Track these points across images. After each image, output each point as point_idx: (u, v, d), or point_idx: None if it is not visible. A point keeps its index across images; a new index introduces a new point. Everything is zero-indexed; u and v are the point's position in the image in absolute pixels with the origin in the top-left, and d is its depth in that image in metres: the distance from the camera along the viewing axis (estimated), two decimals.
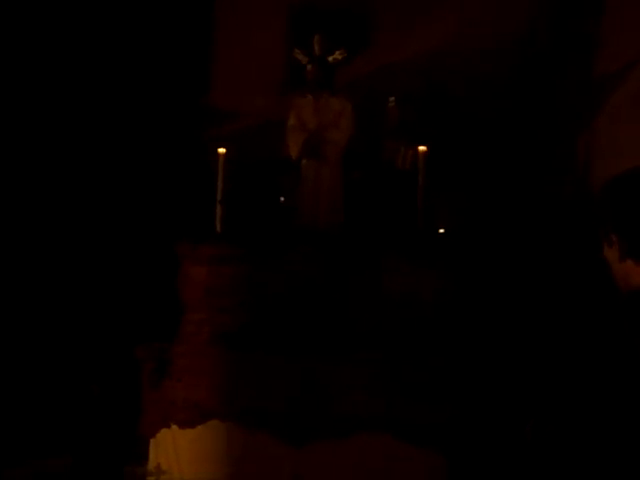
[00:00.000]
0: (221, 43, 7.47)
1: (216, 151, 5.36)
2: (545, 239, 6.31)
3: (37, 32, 6.67)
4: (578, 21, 6.79)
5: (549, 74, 6.84)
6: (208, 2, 7.57)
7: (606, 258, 1.68)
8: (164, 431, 5.09)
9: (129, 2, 7.05)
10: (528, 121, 6.79)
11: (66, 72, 6.68)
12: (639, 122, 6.11)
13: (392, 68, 6.74)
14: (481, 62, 6.73)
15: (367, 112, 5.90)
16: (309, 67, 5.56)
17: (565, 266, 6.05)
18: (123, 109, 6.66)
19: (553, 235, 6.31)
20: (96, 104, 6.63)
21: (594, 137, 6.63)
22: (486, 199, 6.68)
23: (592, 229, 1.72)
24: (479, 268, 5.86)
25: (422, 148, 5.23)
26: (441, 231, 6.23)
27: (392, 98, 6.26)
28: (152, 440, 5.16)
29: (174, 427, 5.05)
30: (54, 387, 5.76)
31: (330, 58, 5.56)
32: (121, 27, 6.97)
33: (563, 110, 6.75)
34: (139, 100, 6.73)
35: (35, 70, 6.60)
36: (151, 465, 5.13)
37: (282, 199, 5.85)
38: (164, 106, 6.80)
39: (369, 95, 6.30)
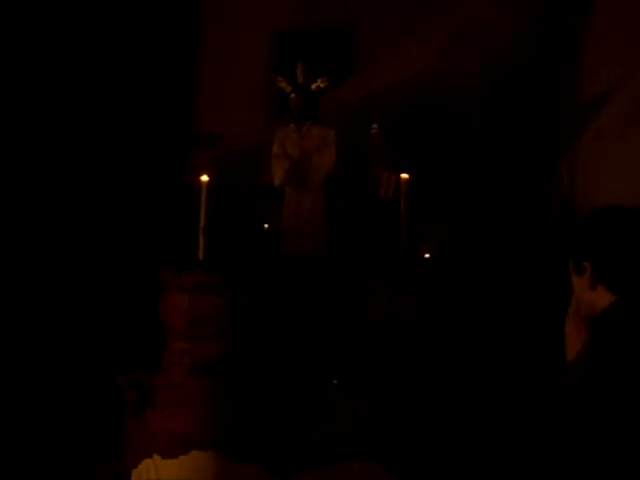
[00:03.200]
0: (207, 68, 7.50)
1: (199, 177, 5.36)
2: (530, 262, 6.32)
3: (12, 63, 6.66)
4: (564, 41, 6.84)
5: (535, 95, 6.88)
6: (194, 26, 7.61)
7: (573, 288, 1.76)
8: (146, 461, 5.04)
9: (116, 25, 7.07)
10: (513, 142, 6.82)
11: (52, 94, 6.67)
12: (623, 142, 6.15)
13: (376, 94, 6.78)
14: (465, 84, 6.77)
15: (351, 139, 5.92)
16: (292, 95, 5.59)
17: (550, 289, 6.05)
18: (106, 134, 6.65)
19: (538, 258, 6.32)
20: (77, 129, 6.61)
21: (578, 158, 6.66)
22: (471, 222, 6.69)
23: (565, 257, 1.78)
24: (462, 292, 5.86)
25: (404, 175, 5.25)
26: (427, 256, 6.24)
27: (375, 125, 6.29)
28: (134, 470, 5.11)
29: (156, 457, 5.00)
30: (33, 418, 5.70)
31: (313, 86, 5.59)
32: (106, 50, 6.97)
33: (548, 130, 6.79)
34: (123, 125, 6.73)
35: (12, 95, 6.59)
36: None
37: (266, 226, 5.85)
38: (148, 131, 6.80)
39: (353, 122, 6.33)
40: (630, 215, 1.72)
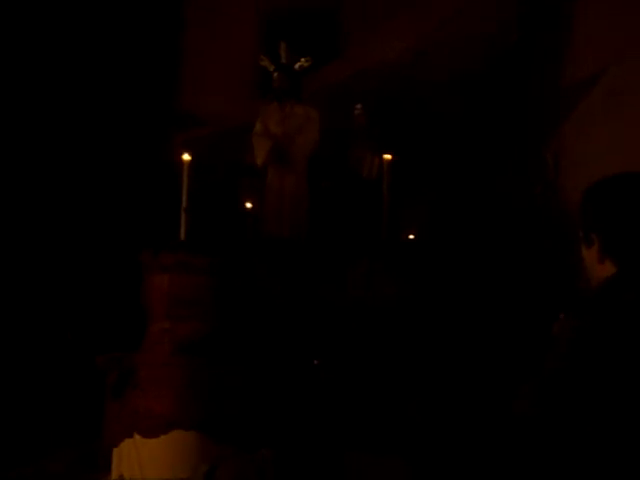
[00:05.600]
0: (190, 47, 7.44)
1: (181, 157, 5.31)
2: (515, 245, 6.33)
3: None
4: (548, 28, 6.83)
5: (519, 80, 6.88)
6: (178, 7, 7.54)
7: (584, 259, 1.71)
8: (127, 441, 5.03)
9: (98, 7, 6.99)
10: (498, 126, 6.82)
11: (30, 71, 6.60)
12: (607, 128, 6.16)
13: (360, 75, 6.75)
14: (450, 68, 6.76)
15: (334, 120, 5.90)
16: (275, 75, 5.56)
17: (536, 273, 6.07)
18: (87, 114, 6.59)
19: (523, 241, 6.33)
20: (58, 106, 6.54)
21: (563, 143, 6.67)
22: (455, 205, 6.69)
23: (569, 231, 1.74)
24: (446, 275, 5.86)
25: (387, 156, 5.24)
26: (411, 237, 6.23)
27: (359, 105, 6.26)
28: (115, 450, 5.10)
29: (137, 437, 4.99)
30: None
31: (296, 65, 5.56)
32: (89, 29, 6.90)
33: (533, 115, 6.79)
34: (104, 106, 6.66)
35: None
36: (114, 475, 5.07)
37: (248, 206, 5.82)
38: (130, 112, 6.74)
39: (336, 102, 6.30)
40: (636, 183, 1.65)
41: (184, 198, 5.18)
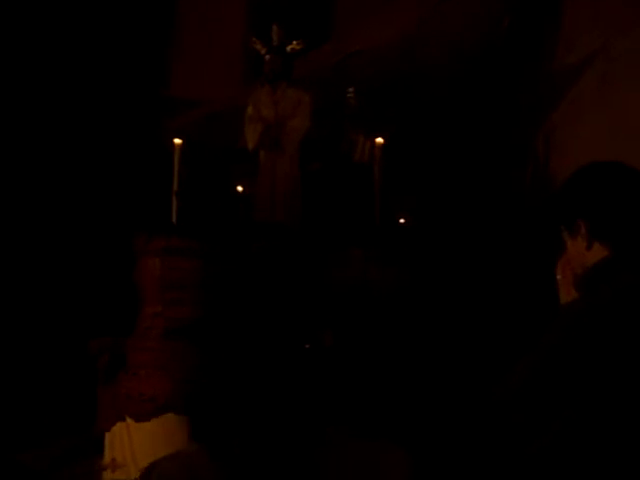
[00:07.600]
0: (181, 31, 7.40)
1: (173, 141, 5.29)
2: (505, 232, 6.35)
3: None
4: (538, 12, 6.82)
5: (509, 66, 6.87)
6: None
7: (569, 253, 1.71)
8: (119, 425, 5.03)
9: None
10: (488, 112, 6.81)
11: (21, 57, 6.54)
12: (597, 115, 6.16)
13: (352, 58, 6.72)
14: (441, 51, 6.74)
15: (326, 103, 5.88)
16: (267, 57, 5.54)
17: (528, 258, 6.08)
18: (77, 97, 6.54)
19: (513, 228, 6.34)
20: (50, 92, 6.50)
21: (553, 129, 6.68)
22: (446, 191, 6.70)
23: (551, 223, 1.75)
24: (437, 260, 5.87)
25: (379, 140, 5.23)
26: (401, 221, 6.24)
27: (351, 89, 6.24)
28: (107, 434, 5.11)
29: (129, 421, 4.99)
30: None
31: (288, 48, 5.54)
32: (80, 15, 6.84)
33: (523, 101, 6.79)
34: (95, 89, 6.62)
35: None
36: (106, 459, 5.08)
37: (239, 189, 5.81)
38: (121, 95, 6.70)
39: (328, 85, 6.27)
40: (617, 168, 1.70)
41: (175, 182, 5.18)
